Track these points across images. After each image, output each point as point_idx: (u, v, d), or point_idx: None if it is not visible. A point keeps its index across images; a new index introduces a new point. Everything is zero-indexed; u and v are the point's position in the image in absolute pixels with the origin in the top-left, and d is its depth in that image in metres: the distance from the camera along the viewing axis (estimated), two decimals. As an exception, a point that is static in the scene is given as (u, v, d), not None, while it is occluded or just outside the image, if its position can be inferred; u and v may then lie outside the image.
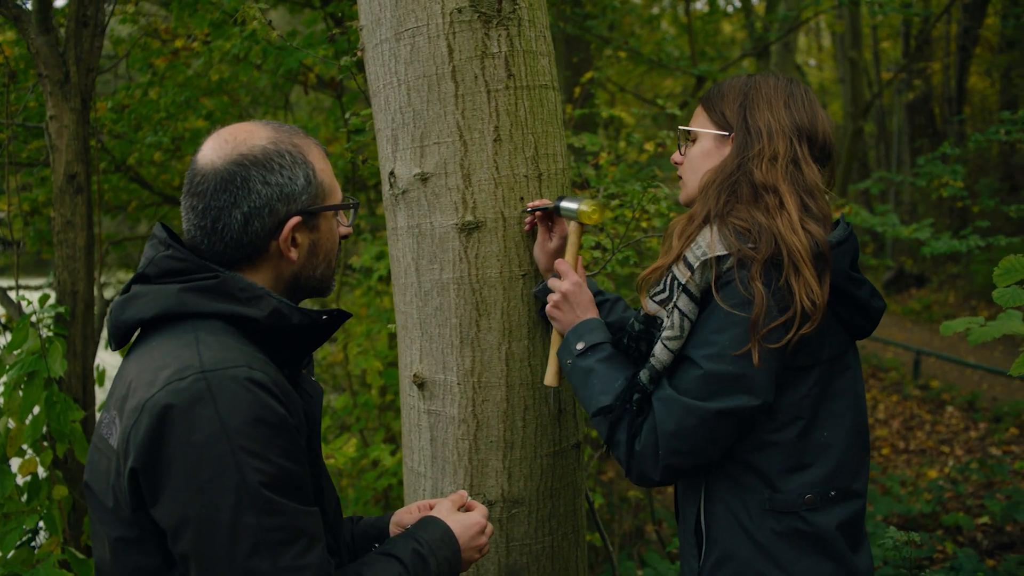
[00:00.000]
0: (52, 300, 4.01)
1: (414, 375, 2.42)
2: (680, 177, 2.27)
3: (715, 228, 1.99)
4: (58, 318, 4.00)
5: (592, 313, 2.25)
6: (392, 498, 5.11)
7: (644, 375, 2.02)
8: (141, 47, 5.25)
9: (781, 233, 1.92)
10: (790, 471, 1.99)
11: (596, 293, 2.40)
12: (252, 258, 1.72)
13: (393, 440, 5.21)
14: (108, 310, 1.73)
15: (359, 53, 2.79)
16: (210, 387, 1.50)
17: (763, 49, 10.11)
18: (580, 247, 2.33)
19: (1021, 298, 2.43)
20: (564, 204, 2.29)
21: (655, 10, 13.00)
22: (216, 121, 5.71)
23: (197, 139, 5.38)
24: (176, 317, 1.63)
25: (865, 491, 2.09)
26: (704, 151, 2.17)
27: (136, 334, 1.70)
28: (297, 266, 1.77)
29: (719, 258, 1.94)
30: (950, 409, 11.04)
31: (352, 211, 1.91)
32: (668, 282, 2.02)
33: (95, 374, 4.23)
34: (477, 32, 2.26)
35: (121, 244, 6.96)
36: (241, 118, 6.00)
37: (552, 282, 2.27)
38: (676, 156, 2.28)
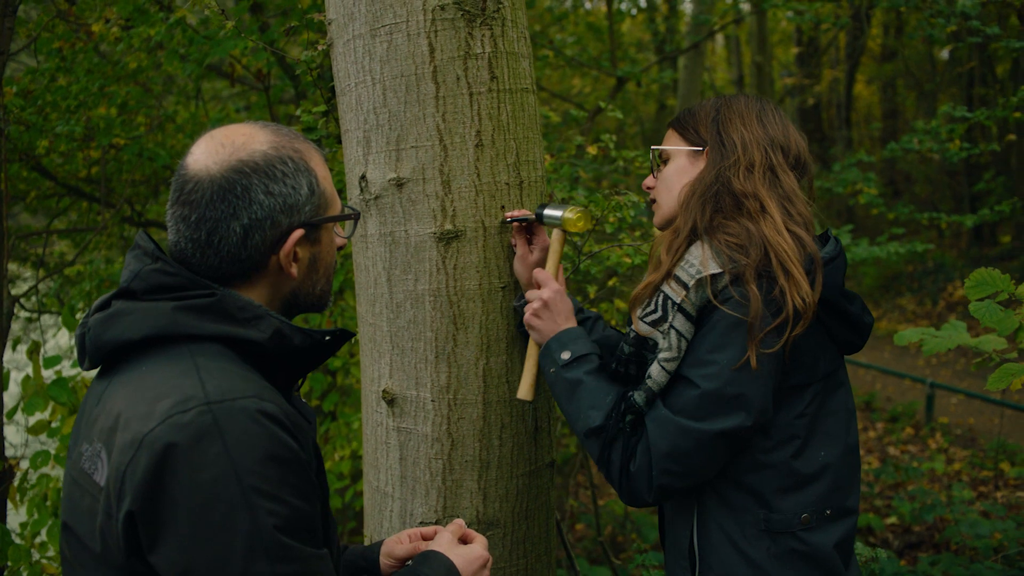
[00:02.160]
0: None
1: (383, 391, 2.29)
2: (653, 201, 2.22)
3: (706, 245, 1.94)
4: (-36, 319, 3.72)
5: (573, 323, 2.17)
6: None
7: (640, 396, 1.95)
8: (49, 30, 4.94)
9: (767, 236, 1.89)
10: (786, 491, 1.95)
11: (577, 310, 2.32)
12: (249, 274, 1.56)
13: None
14: (81, 325, 1.54)
15: (319, 48, 2.64)
16: (217, 421, 1.35)
17: (681, 52, 10.19)
18: (562, 256, 2.25)
19: (997, 314, 2.44)
20: (548, 212, 2.20)
21: (567, 4, 12.98)
22: (130, 110, 5.44)
23: (110, 129, 5.10)
24: (168, 339, 1.47)
25: (857, 508, 2.07)
26: (679, 169, 2.13)
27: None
28: (297, 282, 1.62)
29: (714, 276, 1.89)
30: (847, 409, 11.35)
31: (352, 221, 1.77)
32: (660, 302, 1.97)
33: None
34: (460, 31, 2.14)
35: (29, 239, 6.58)
36: (154, 108, 5.72)
37: (531, 292, 2.18)
38: (648, 180, 2.23)
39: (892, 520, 6.65)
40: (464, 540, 1.89)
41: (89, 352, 1.51)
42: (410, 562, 1.82)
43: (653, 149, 2.22)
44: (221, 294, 1.50)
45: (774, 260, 1.87)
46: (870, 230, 14.35)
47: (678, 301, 1.91)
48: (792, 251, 1.88)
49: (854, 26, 18.25)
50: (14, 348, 4.73)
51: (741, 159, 2.02)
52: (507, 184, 2.22)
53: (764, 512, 1.95)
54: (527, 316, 2.17)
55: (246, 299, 1.52)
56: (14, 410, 3.98)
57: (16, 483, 3.93)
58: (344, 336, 1.65)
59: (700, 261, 1.92)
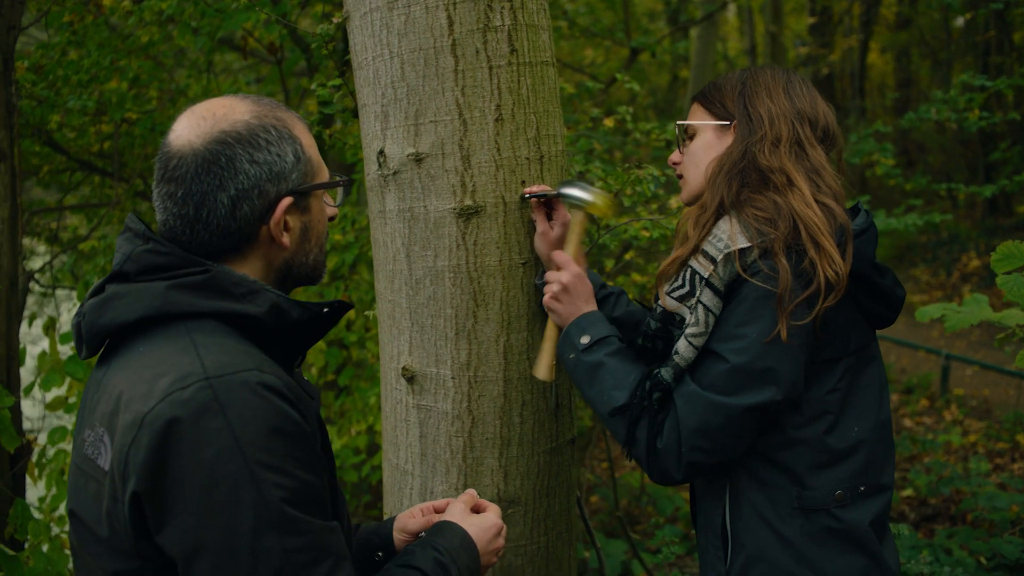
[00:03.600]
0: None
1: (403, 368, 2.27)
2: (680, 176, 2.19)
3: (734, 219, 1.92)
4: (-21, 296, 3.72)
5: (593, 306, 2.14)
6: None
7: (667, 373, 1.93)
8: (60, 3, 4.90)
9: (795, 209, 1.87)
10: (819, 468, 1.93)
11: (600, 286, 2.29)
12: (240, 247, 1.54)
13: (330, 420, 5.03)
14: (77, 313, 1.52)
15: (335, 20, 2.61)
16: (217, 396, 1.34)
17: (695, 22, 10.10)
18: (583, 237, 2.22)
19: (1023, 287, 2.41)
20: (570, 191, 2.16)
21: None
22: (142, 84, 5.41)
23: (123, 103, 5.07)
24: (164, 319, 1.45)
25: (892, 484, 2.05)
26: (706, 143, 2.10)
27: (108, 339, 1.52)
28: (289, 253, 1.60)
29: (742, 251, 1.87)
30: (862, 381, 11.31)
31: (343, 189, 1.74)
32: (688, 277, 1.94)
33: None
34: (480, 3, 2.10)
35: (42, 215, 6.58)
36: (166, 82, 5.69)
37: (551, 274, 2.16)
38: (675, 156, 2.20)
39: (908, 492, 6.63)
40: (477, 510, 1.88)
41: (86, 338, 1.49)
42: (423, 534, 1.80)
43: (679, 124, 2.18)
44: (215, 270, 1.48)
45: (803, 232, 1.85)
46: (884, 201, 14.22)
47: (706, 276, 1.89)
48: (822, 223, 1.86)
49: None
50: (30, 324, 4.73)
51: (768, 133, 1.99)
52: (527, 159, 2.18)
53: (797, 489, 1.93)
54: (546, 299, 2.15)
55: (241, 274, 1.51)
56: (31, 386, 3.99)
57: (34, 458, 3.94)
58: (342, 308, 1.63)
59: (728, 235, 1.89)
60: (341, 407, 4.93)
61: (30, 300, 7.42)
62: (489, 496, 2.25)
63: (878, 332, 2.10)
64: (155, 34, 4.92)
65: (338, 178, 1.70)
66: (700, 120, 2.12)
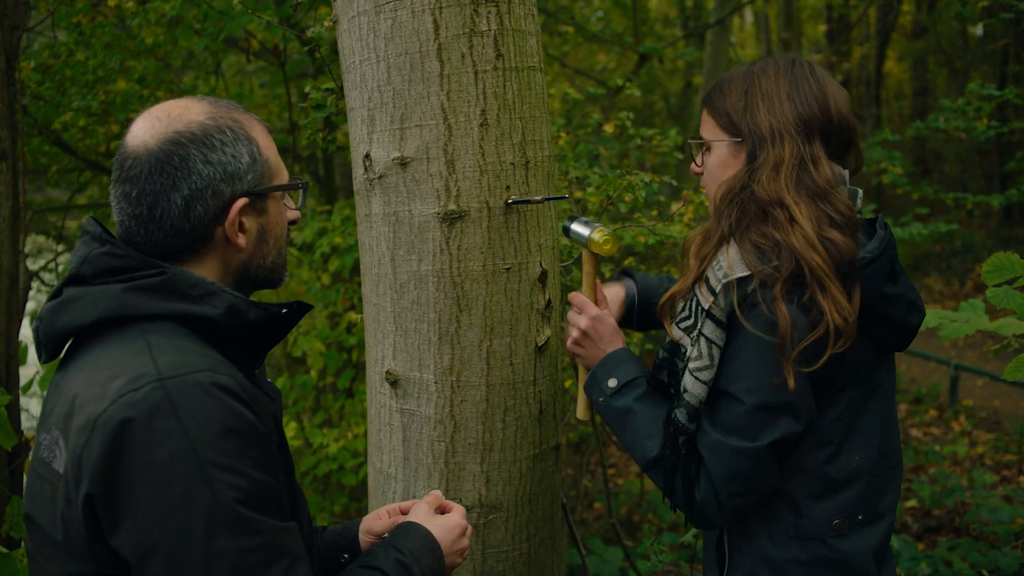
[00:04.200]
0: (-28, 274, 3.75)
1: (387, 372, 2.27)
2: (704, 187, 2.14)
3: (733, 247, 1.85)
4: (-21, 294, 3.74)
5: (618, 343, 2.11)
6: (331, 484, 4.95)
7: (681, 414, 1.89)
8: (67, 4, 4.93)
9: (798, 250, 1.78)
10: (817, 497, 1.90)
11: (620, 273, 2.31)
12: (196, 248, 1.54)
13: (331, 423, 5.04)
14: (37, 318, 1.53)
15: (326, 24, 2.61)
16: (170, 396, 1.34)
17: (705, 27, 10.07)
18: (596, 274, 2.21)
19: (1014, 299, 2.39)
20: (574, 228, 2.18)
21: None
22: (148, 85, 5.43)
23: (128, 104, 5.09)
24: (120, 321, 1.45)
25: (894, 508, 2.01)
26: (721, 161, 2.01)
27: (69, 343, 1.52)
28: (246, 254, 1.60)
29: (741, 280, 1.81)
30: (871, 390, 11.24)
31: (301, 192, 1.74)
32: (692, 307, 1.89)
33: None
34: (466, 8, 2.10)
35: (50, 212, 6.61)
36: (173, 83, 5.71)
37: (570, 316, 2.15)
38: (694, 166, 2.13)
39: (912, 503, 6.59)
40: (443, 511, 1.88)
41: (44, 342, 1.50)
42: (387, 535, 1.80)
43: (691, 141, 2.12)
44: (171, 272, 1.48)
45: (808, 274, 1.77)
46: (899, 210, 14.14)
47: (706, 307, 1.84)
48: (826, 263, 1.78)
49: (885, 1, 18.01)
50: (31, 322, 4.74)
51: (769, 156, 1.89)
52: (512, 164, 2.18)
53: (794, 518, 1.90)
54: (569, 344, 2.14)
55: (198, 276, 1.51)
56: (29, 384, 4.00)
57: (31, 456, 3.95)
58: (301, 309, 1.63)
59: (727, 264, 1.83)
60: (341, 410, 4.94)
61: (35, 298, 7.46)
62: (470, 501, 2.24)
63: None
64: (159, 35, 4.95)
65: (297, 180, 1.70)
66: (711, 132, 2.03)
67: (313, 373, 4.88)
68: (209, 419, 1.35)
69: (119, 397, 1.34)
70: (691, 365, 1.86)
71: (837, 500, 1.90)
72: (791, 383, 1.77)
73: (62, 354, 1.54)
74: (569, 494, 5.83)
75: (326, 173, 6.31)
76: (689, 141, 2.12)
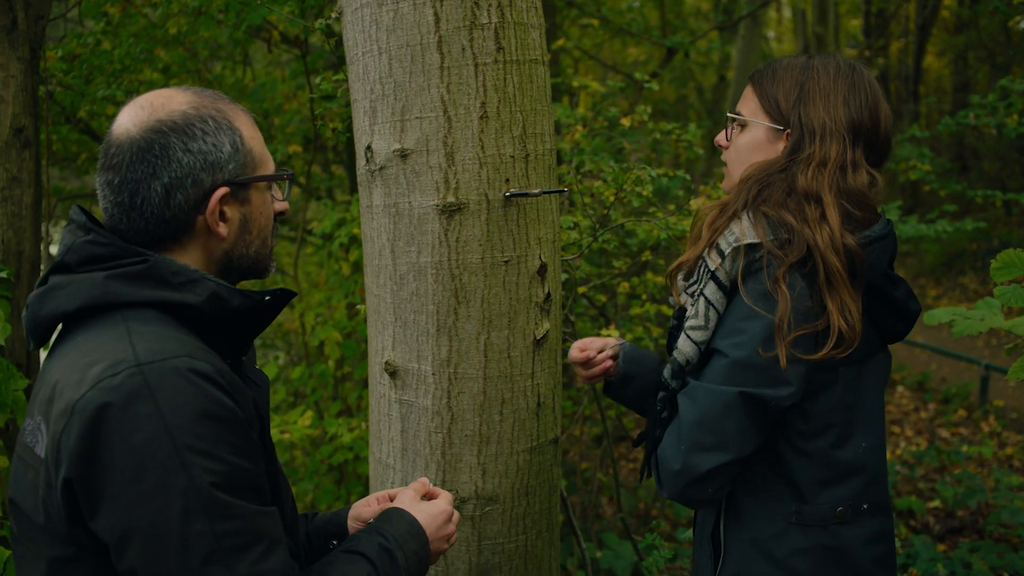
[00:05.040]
0: (-6, 260, 3.81)
1: (386, 362, 2.28)
2: (725, 164, 2.13)
3: (746, 218, 1.87)
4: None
5: None
6: (348, 473, 4.98)
7: (667, 371, 1.91)
8: (94, -6, 4.98)
9: (820, 248, 1.79)
10: (824, 483, 1.89)
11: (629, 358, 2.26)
12: (178, 236, 1.56)
13: (349, 412, 5.07)
14: (25, 306, 1.55)
15: (334, 15, 2.62)
16: (147, 382, 1.36)
17: (733, 23, 9.99)
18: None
19: (1022, 297, 2.35)
20: None
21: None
22: (173, 75, 5.48)
23: (152, 93, 5.12)
24: (103, 308, 1.47)
25: (891, 505, 2.01)
26: (755, 143, 2.02)
27: (57, 330, 1.54)
28: (228, 244, 1.61)
29: (750, 246, 1.83)
30: (900, 389, 11.13)
31: (287, 183, 1.74)
32: (700, 272, 1.91)
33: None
34: (466, 1, 2.10)
35: (70, 200, 6.68)
36: (200, 73, 5.75)
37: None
38: (721, 139, 2.13)
39: (935, 503, 6.52)
40: (430, 497, 1.89)
41: (29, 329, 1.52)
42: (372, 520, 1.81)
43: (730, 114, 2.11)
44: (154, 260, 1.49)
45: (821, 274, 1.79)
46: (932, 207, 13.99)
47: (712, 268, 1.86)
48: (844, 267, 1.80)
49: (923, -5, 17.77)
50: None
51: (816, 152, 1.90)
52: (512, 157, 2.18)
53: (797, 504, 1.89)
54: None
55: (180, 264, 1.52)
56: (49, 369, 4.05)
57: (17, 441, 4.00)
58: (285, 296, 1.63)
59: (740, 231, 1.85)
60: (359, 400, 4.97)
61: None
62: (467, 493, 2.25)
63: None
64: (183, 25, 4.99)
65: (283, 171, 1.71)
66: (752, 112, 2.03)
67: (331, 363, 4.91)
68: (186, 404, 1.36)
69: (97, 382, 1.36)
70: (687, 324, 1.88)
71: (844, 487, 1.89)
72: (783, 362, 1.77)
73: (51, 341, 1.57)
74: (585, 488, 5.82)
75: (349, 163, 6.32)
76: (728, 115, 2.11)
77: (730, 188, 2.07)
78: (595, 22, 7.32)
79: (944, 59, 22.45)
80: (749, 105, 2.05)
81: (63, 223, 8.27)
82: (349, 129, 3.75)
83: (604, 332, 4.37)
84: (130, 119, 1.53)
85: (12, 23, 3.81)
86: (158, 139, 1.51)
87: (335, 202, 5.12)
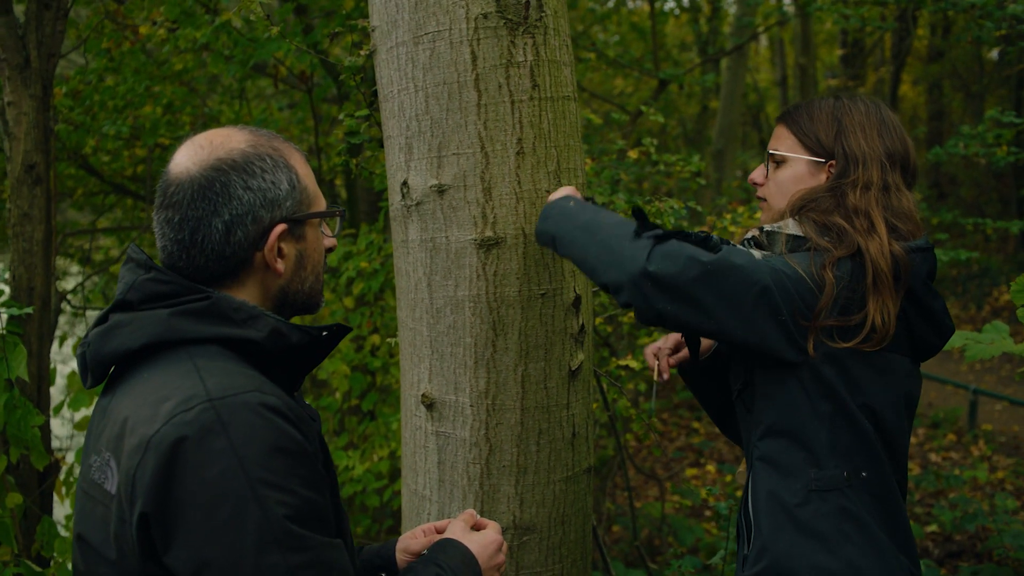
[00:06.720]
0: (6, 296, 3.81)
1: (423, 395, 2.31)
2: (762, 199, 2.25)
3: (792, 220, 2.05)
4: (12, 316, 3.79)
5: None
6: (355, 506, 4.97)
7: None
8: (97, 31, 5.02)
9: (871, 253, 1.93)
10: (832, 447, 1.98)
11: None
12: (236, 272, 1.58)
13: (354, 445, 5.07)
14: (82, 343, 1.57)
15: (361, 53, 2.67)
16: (220, 416, 1.38)
17: (727, 52, 10.14)
18: None
19: (1043, 323, 2.41)
20: None
21: (610, 3, 12.93)
22: (176, 111, 5.51)
23: (157, 129, 5.17)
24: (167, 345, 1.49)
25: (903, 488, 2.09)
26: (797, 176, 2.16)
27: (113, 368, 1.56)
28: (284, 280, 1.63)
29: (793, 236, 2.01)
30: (888, 414, 11.19)
31: (339, 220, 1.79)
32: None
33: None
34: (503, 39, 2.15)
35: (76, 236, 6.70)
36: (199, 108, 5.79)
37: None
38: (758, 176, 2.26)
39: (933, 528, 6.57)
40: (477, 528, 1.91)
41: (91, 366, 1.53)
42: (425, 552, 1.83)
43: (770, 152, 2.22)
44: (216, 297, 1.52)
45: (869, 274, 1.92)
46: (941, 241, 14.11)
47: (750, 236, 2.06)
48: (891, 272, 1.93)
49: (900, 27, 18.04)
50: (61, 344, 4.81)
51: (860, 177, 2.05)
52: (547, 191, 2.22)
53: (814, 471, 1.97)
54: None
55: (240, 300, 1.54)
56: (60, 406, 4.05)
57: (62, 476, 4.00)
58: (341, 332, 1.66)
59: (783, 224, 2.05)
60: (365, 432, 4.97)
61: (62, 320, 7.53)
62: (505, 523, 2.27)
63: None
64: (189, 62, 5.03)
65: (334, 208, 1.74)
66: (791, 148, 2.17)
67: (338, 395, 4.92)
68: (258, 438, 1.38)
69: (171, 418, 1.38)
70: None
71: (849, 452, 1.98)
72: (811, 350, 1.91)
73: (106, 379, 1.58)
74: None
75: (350, 197, 6.37)
76: (768, 152, 2.23)
77: (768, 221, 2.19)
78: (592, 56, 7.41)
79: (919, 88, 22.77)
80: (786, 142, 2.18)
81: (61, 258, 8.26)
82: (360, 164, 3.79)
83: (613, 361, 4.41)
84: (189, 158, 1.56)
85: (25, 61, 3.84)
86: (219, 177, 1.53)
87: (339, 236, 5.13)
